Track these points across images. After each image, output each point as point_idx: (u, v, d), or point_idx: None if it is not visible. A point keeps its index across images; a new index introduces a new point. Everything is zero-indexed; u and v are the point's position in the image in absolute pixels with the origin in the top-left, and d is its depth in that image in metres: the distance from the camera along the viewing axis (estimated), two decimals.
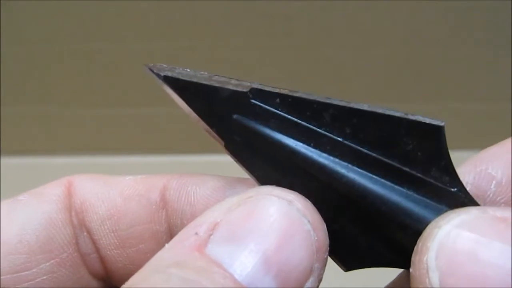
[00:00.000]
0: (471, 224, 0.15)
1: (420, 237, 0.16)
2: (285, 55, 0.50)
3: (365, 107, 0.17)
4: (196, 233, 0.16)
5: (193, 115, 0.18)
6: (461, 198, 0.17)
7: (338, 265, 0.18)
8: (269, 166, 0.18)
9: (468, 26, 0.49)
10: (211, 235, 0.16)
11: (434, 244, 0.15)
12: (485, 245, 0.15)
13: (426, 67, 0.51)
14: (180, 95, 0.18)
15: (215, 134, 0.18)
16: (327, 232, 0.17)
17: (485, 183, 0.19)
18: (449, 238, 0.15)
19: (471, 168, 0.19)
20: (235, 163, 0.18)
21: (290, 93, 0.18)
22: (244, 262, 0.15)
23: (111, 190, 0.21)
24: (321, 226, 0.17)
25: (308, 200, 0.17)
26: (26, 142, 0.54)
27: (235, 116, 0.18)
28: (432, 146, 0.17)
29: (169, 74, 0.18)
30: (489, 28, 0.49)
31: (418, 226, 0.16)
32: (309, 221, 0.16)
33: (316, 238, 0.16)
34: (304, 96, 0.18)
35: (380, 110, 0.17)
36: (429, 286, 0.15)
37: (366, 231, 0.17)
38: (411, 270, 0.16)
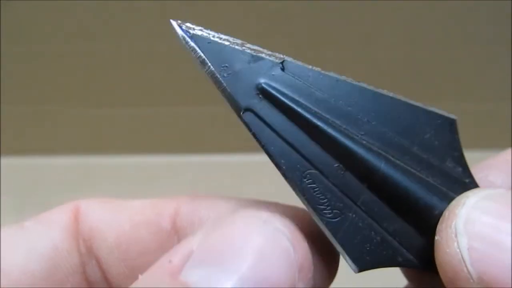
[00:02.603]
0: (497, 198, 0.16)
1: (447, 208, 0.16)
2: (285, 55, 0.50)
3: (390, 94, 0.18)
4: (170, 261, 0.15)
5: (215, 76, 0.18)
6: (474, 187, 0.18)
7: (350, 265, 0.18)
8: (286, 141, 0.17)
9: (468, 26, 0.49)
10: (186, 262, 0.15)
11: (463, 211, 0.16)
12: (510, 216, 0.15)
13: (426, 67, 0.51)
14: (207, 55, 0.17)
15: (234, 98, 0.17)
16: (309, 251, 0.16)
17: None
18: (478, 207, 0.16)
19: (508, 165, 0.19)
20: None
21: (322, 71, 0.18)
22: (220, 283, 0.15)
23: (119, 216, 0.20)
24: (303, 244, 0.16)
25: (287, 218, 0.16)
26: (26, 142, 0.54)
27: (261, 83, 0.17)
28: (447, 137, 0.18)
29: (199, 33, 0.18)
30: (489, 28, 0.49)
31: (437, 211, 0.17)
32: (288, 239, 0.16)
33: (297, 256, 0.16)
34: (334, 75, 0.18)
35: (402, 99, 0.18)
36: (457, 250, 0.15)
37: (383, 221, 0.17)
38: (436, 238, 0.16)
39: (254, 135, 0.18)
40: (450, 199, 0.17)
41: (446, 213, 0.16)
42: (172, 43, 0.53)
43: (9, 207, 0.49)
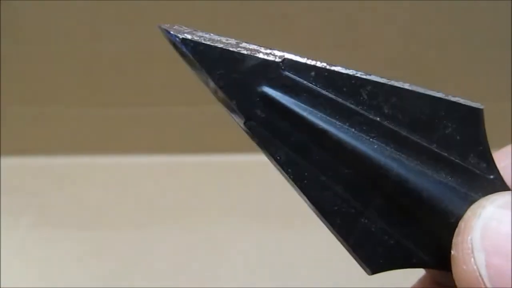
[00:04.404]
0: None
1: (462, 218, 0.16)
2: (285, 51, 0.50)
3: (406, 85, 0.17)
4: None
5: (211, 84, 0.16)
6: (498, 186, 0.17)
7: (363, 267, 0.17)
8: (293, 148, 0.16)
9: (468, 26, 0.49)
10: None
11: (479, 223, 0.15)
12: None
13: (426, 67, 0.51)
14: (199, 61, 0.16)
15: (234, 108, 0.16)
16: None
17: (510, 178, 0.18)
18: (494, 219, 0.15)
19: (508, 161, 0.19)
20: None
21: (327, 67, 0.16)
22: None
23: None
24: None
25: None
26: (26, 142, 0.54)
27: (262, 88, 0.16)
28: (471, 130, 0.17)
29: (189, 36, 0.16)
30: (489, 28, 0.49)
31: (455, 215, 0.16)
32: None
33: None
34: (342, 70, 0.17)
35: (421, 90, 0.17)
36: (475, 266, 0.15)
37: (396, 224, 0.16)
38: (452, 252, 0.15)
39: (258, 144, 0.17)
40: (470, 201, 0.16)
41: (461, 224, 0.15)
42: None
43: (9, 207, 0.49)
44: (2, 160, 0.53)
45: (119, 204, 0.51)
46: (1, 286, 0.45)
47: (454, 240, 0.15)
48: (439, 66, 0.51)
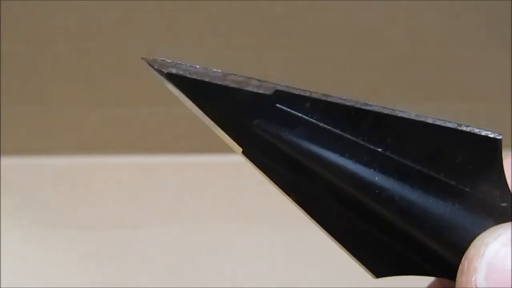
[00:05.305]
0: None
1: (465, 255, 0.15)
2: (285, 55, 0.50)
3: (412, 116, 0.16)
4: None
5: (205, 118, 0.16)
6: (510, 214, 0.16)
7: (368, 273, 0.17)
8: (294, 176, 0.16)
9: (468, 26, 0.48)
10: None
11: (483, 263, 0.14)
12: None
13: (426, 67, 0.51)
14: (188, 96, 0.16)
15: (230, 140, 0.16)
16: None
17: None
18: (498, 258, 0.14)
19: (508, 171, 0.18)
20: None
21: (323, 98, 0.16)
22: None
23: None
24: None
25: None
26: (26, 142, 0.54)
27: (255, 122, 0.16)
28: (485, 160, 0.16)
29: (174, 71, 0.16)
30: (489, 28, 0.49)
31: (458, 246, 0.15)
32: None
33: None
34: (339, 101, 0.16)
35: (429, 120, 0.16)
36: None
37: (401, 242, 0.16)
38: None
39: (259, 170, 0.16)
40: (477, 231, 0.15)
41: (465, 263, 0.15)
42: (172, 43, 0.53)
43: (9, 207, 0.49)
44: (2, 160, 0.53)
45: (119, 204, 0.51)
46: (1, 286, 0.45)
47: (458, 279, 0.15)
48: (439, 66, 0.51)
